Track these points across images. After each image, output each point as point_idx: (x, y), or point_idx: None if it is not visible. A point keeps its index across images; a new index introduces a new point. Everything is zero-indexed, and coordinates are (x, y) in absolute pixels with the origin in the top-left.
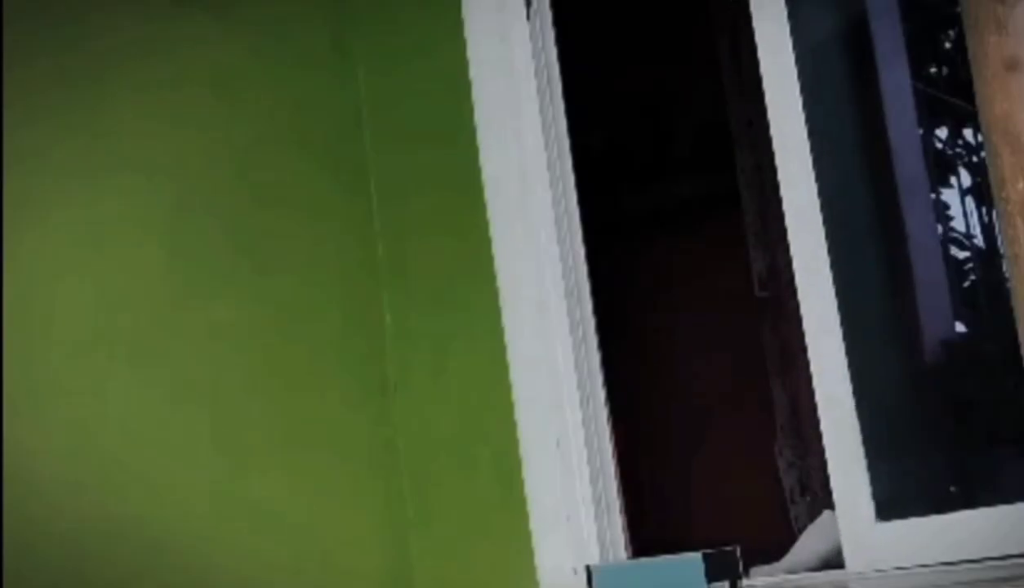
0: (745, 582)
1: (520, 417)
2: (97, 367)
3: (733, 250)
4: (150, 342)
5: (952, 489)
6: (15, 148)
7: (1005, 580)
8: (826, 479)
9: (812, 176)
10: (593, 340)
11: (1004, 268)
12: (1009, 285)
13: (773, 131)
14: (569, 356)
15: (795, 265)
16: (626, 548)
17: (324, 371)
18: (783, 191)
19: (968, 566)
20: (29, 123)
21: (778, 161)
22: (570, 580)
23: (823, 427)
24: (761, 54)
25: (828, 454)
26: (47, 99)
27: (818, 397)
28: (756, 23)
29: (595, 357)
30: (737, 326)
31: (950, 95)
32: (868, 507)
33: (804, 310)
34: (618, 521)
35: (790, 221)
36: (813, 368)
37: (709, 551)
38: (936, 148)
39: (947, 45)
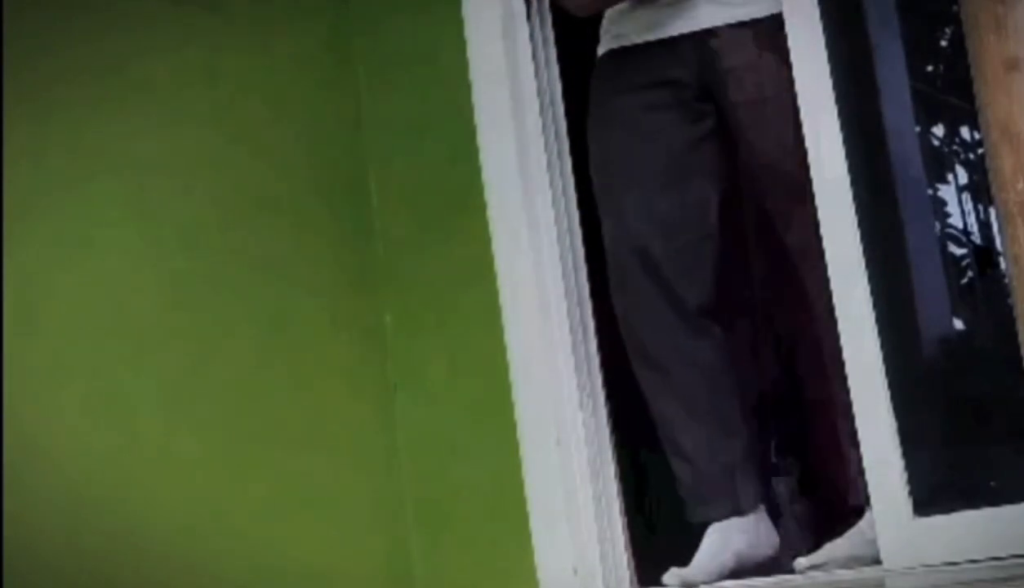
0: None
1: (520, 417)
2: (97, 369)
3: (734, 249)
4: (149, 343)
5: (992, 484)
6: (14, 148)
7: None
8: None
9: (849, 189)
10: (593, 340)
11: (1002, 266)
12: (1007, 283)
13: (806, 131)
14: (569, 356)
15: (830, 270)
16: (626, 548)
17: (324, 371)
18: (818, 198)
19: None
20: (27, 123)
21: (813, 173)
22: (570, 580)
23: (858, 423)
24: (793, 57)
25: (863, 450)
26: (44, 99)
27: (853, 394)
28: (789, 28)
29: (595, 357)
30: (737, 324)
31: (947, 93)
32: (905, 503)
33: (839, 308)
34: (618, 521)
35: (825, 228)
36: (848, 367)
37: None
38: (933, 146)
39: (943, 43)
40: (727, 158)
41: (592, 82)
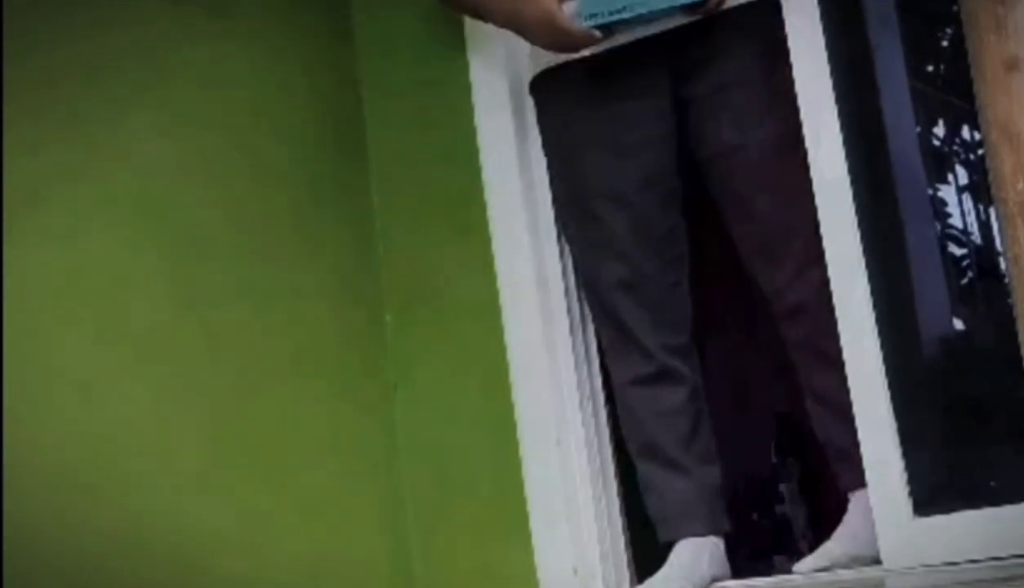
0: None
1: (520, 417)
2: (96, 369)
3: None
4: (148, 344)
5: (992, 484)
6: (13, 146)
7: None
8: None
9: (849, 189)
10: (593, 340)
11: (1002, 266)
12: (1007, 283)
13: (806, 131)
14: (569, 356)
15: (830, 270)
16: (626, 548)
17: (324, 372)
18: (818, 198)
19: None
20: (28, 120)
21: (813, 173)
22: (570, 580)
23: (858, 423)
24: (793, 57)
25: (863, 449)
26: (44, 95)
27: (853, 394)
28: (789, 28)
29: (595, 357)
30: (737, 325)
31: (947, 93)
32: (905, 503)
33: (839, 310)
34: (618, 521)
35: (825, 227)
36: (848, 367)
37: None
38: (933, 146)
39: (943, 44)
40: (690, 171)
41: (540, 98)
